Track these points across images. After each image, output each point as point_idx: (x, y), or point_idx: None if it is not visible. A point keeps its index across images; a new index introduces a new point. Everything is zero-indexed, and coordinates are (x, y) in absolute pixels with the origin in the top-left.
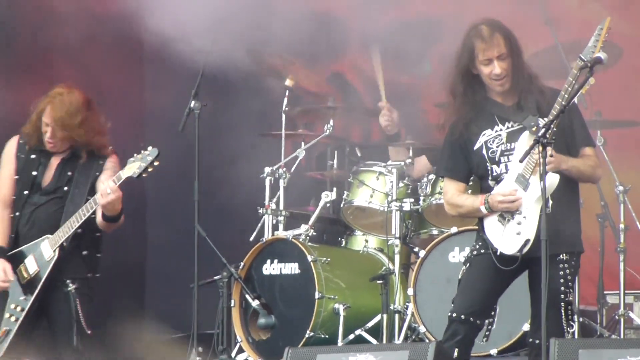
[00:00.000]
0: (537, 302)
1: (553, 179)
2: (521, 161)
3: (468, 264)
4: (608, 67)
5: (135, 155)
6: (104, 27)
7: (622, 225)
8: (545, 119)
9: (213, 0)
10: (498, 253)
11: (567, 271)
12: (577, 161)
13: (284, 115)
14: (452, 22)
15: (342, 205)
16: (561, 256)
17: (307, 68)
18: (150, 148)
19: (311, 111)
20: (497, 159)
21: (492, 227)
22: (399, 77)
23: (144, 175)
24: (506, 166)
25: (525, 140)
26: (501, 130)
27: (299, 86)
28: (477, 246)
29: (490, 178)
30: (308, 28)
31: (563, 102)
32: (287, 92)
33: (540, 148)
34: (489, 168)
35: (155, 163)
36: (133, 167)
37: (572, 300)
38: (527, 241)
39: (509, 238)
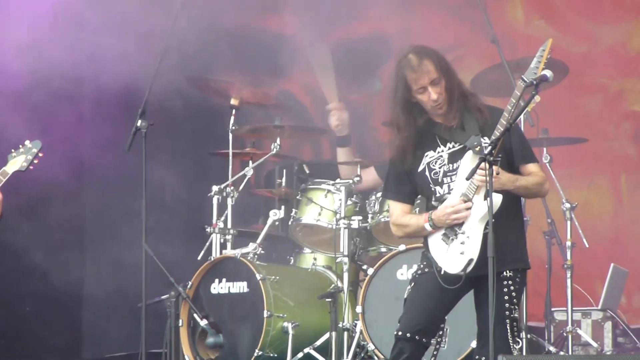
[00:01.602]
0: (483, 319)
1: (496, 199)
2: (468, 179)
3: (413, 283)
4: (554, 85)
5: (13, 150)
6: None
7: (568, 242)
8: (486, 138)
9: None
10: (442, 272)
11: (512, 288)
12: (525, 179)
13: (230, 134)
14: (401, 40)
15: (290, 223)
16: (505, 273)
17: (254, 87)
18: (28, 141)
19: (258, 130)
20: (440, 180)
21: (437, 246)
22: (349, 95)
23: (30, 167)
24: (449, 187)
25: (468, 160)
26: (443, 151)
27: (246, 102)
28: (422, 265)
29: (434, 199)
30: (256, 46)
31: (508, 121)
32: (234, 111)
33: (487, 166)
34: (433, 189)
35: (40, 155)
36: (18, 162)
37: (518, 316)
38: (470, 260)
39: (453, 257)
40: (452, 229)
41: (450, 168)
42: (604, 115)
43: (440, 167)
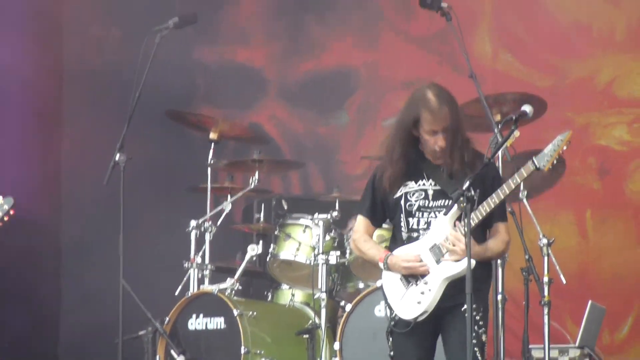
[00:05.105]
0: (450, 350)
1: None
2: (461, 225)
3: (391, 339)
4: (533, 120)
5: None
6: None
7: (546, 279)
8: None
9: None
10: (395, 317)
11: (475, 313)
12: (491, 251)
13: (209, 169)
14: (367, 73)
15: (268, 259)
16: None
17: (226, 119)
18: (1, 197)
19: (237, 163)
20: (413, 212)
21: (393, 287)
22: (316, 127)
23: None
24: (418, 222)
25: (448, 216)
26: (424, 185)
27: (225, 136)
28: (393, 315)
29: (404, 230)
30: (226, 78)
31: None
32: (212, 144)
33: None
34: (403, 219)
35: (11, 212)
36: None
37: (485, 341)
38: (424, 312)
39: (409, 304)
40: (414, 275)
41: (426, 204)
42: (570, 149)
43: (416, 200)
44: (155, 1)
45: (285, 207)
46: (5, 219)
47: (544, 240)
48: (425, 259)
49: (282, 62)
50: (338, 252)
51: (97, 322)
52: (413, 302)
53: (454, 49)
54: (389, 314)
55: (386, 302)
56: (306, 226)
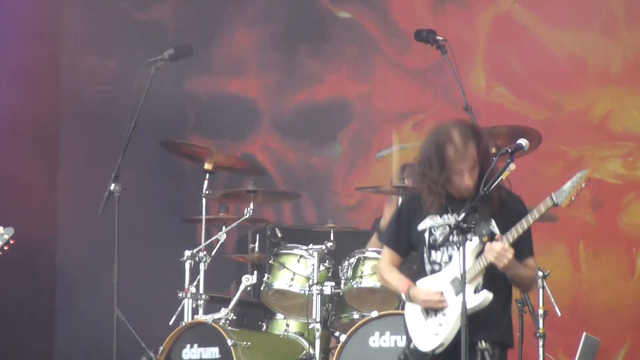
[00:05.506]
0: None
1: (486, 297)
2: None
3: None
4: (529, 152)
5: None
6: None
7: (541, 311)
8: (494, 222)
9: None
10: (412, 345)
11: (487, 350)
12: (525, 270)
13: (204, 199)
14: (362, 105)
15: (262, 289)
16: (480, 344)
17: (220, 150)
18: (1, 227)
19: (232, 194)
20: (436, 246)
21: (414, 316)
22: (309, 158)
23: None
24: (442, 256)
25: (469, 249)
26: (448, 219)
27: (220, 166)
28: (411, 345)
29: (427, 262)
30: (219, 109)
31: (485, 188)
32: (207, 175)
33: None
34: (427, 252)
35: (11, 242)
36: None
37: None
38: (441, 344)
39: (427, 335)
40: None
41: (449, 238)
42: (563, 182)
43: (440, 235)
44: (148, 32)
45: (280, 236)
46: (5, 248)
47: (540, 273)
48: (446, 291)
49: (275, 93)
50: (332, 283)
51: (91, 352)
52: (431, 334)
53: (448, 81)
54: (405, 344)
55: (406, 332)
56: (301, 256)
